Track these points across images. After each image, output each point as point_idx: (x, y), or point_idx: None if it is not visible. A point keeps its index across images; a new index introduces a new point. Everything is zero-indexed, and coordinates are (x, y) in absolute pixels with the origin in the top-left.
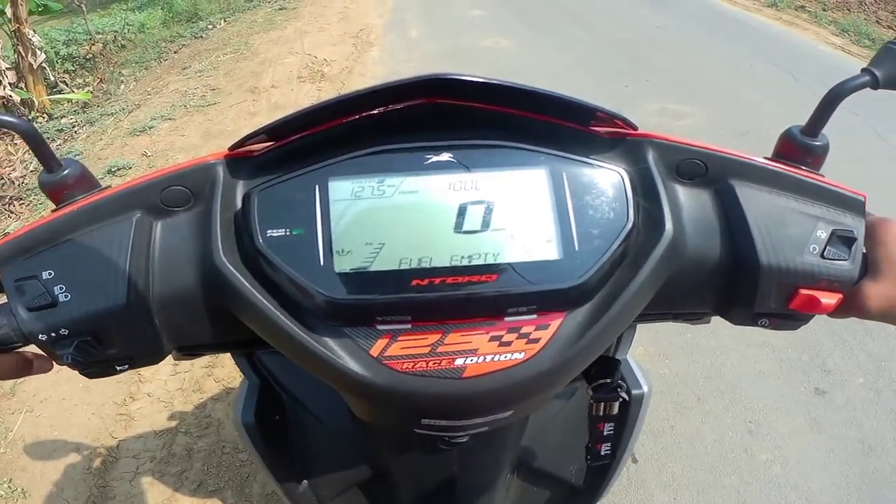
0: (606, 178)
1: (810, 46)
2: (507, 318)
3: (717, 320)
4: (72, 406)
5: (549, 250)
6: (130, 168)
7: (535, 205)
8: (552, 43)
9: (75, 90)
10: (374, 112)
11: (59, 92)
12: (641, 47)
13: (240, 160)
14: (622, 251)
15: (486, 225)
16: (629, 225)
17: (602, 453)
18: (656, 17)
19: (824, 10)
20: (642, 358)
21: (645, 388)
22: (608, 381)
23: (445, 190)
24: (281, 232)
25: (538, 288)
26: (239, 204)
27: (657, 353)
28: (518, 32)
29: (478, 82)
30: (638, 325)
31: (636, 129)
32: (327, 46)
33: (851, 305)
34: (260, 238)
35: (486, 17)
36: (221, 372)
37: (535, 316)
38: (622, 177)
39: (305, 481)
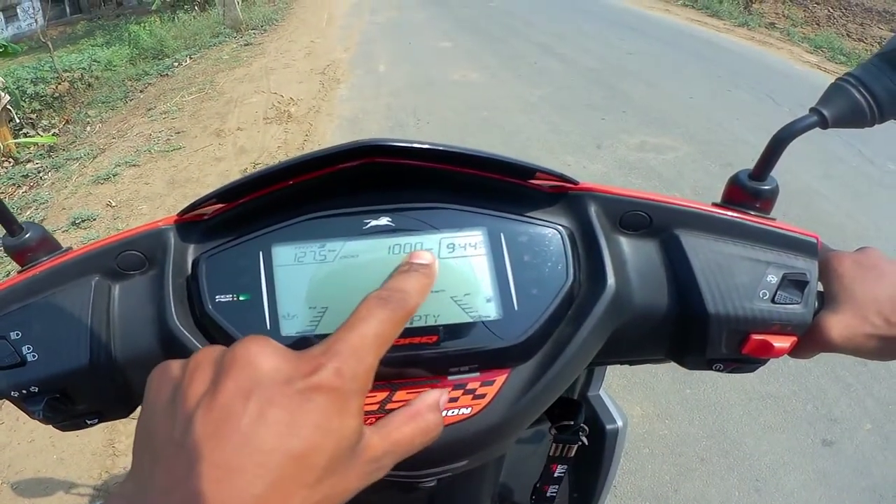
0: (545, 236)
1: (786, 66)
2: (450, 377)
3: (710, 371)
4: (48, 477)
5: (488, 310)
6: (94, 219)
7: (473, 265)
8: (523, 75)
9: (41, 132)
10: (316, 176)
11: (26, 135)
12: (615, 76)
13: (190, 224)
14: (563, 308)
15: None
16: (568, 282)
17: (548, 495)
18: (627, 43)
19: (794, 26)
20: (640, 420)
21: (619, 423)
22: (571, 422)
23: (385, 254)
24: (228, 297)
25: (478, 347)
26: (189, 269)
27: (655, 414)
28: (487, 64)
29: (413, 148)
30: (622, 367)
31: (577, 184)
32: (294, 84)
33: (813, 341)
34: (209, 304)
35: (455, 49)
36: None
37: (478, 374)
38: (561, 234)
39: None
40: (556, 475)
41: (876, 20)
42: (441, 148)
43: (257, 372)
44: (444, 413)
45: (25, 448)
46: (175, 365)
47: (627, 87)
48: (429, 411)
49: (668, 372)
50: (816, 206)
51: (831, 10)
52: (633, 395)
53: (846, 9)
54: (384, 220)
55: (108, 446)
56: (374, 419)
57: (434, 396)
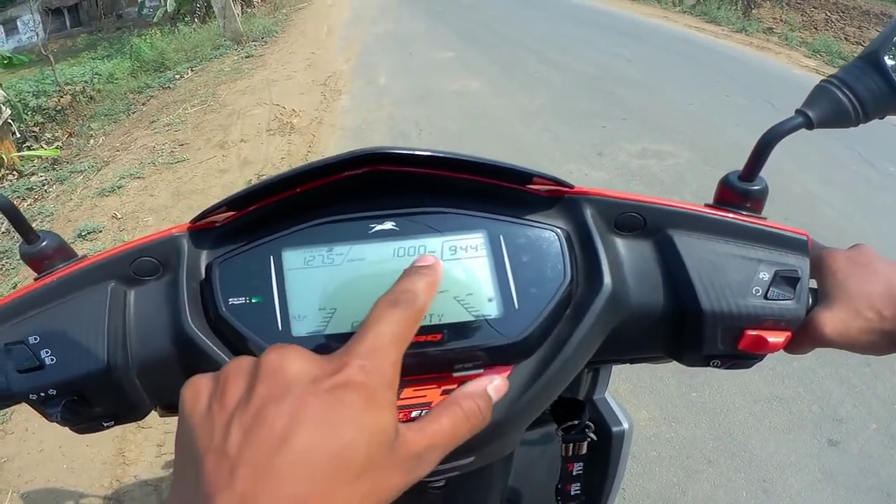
0: (542, 238)
1: (784, 71)
2: (454, 374)
3: (714, 373)
4: (58, 487)
5: (490, 309)
6: (101, 231)
7: (475, 266)
8: (523, 83)
9: (45, 145)
10: (322, 183)
11: (29, 147)
12: (614, 83)
13: (202, 231)
14: (561, 306)
15: None
16: (566, 281)
17: (572, 493)
18: (627, 50)
19: (792, 30)
20: (646, 423)
21: (625, 425)
22: (576, 422)
23: (391, 256)
24: (241, 300)
25: (481, 345)
26: (203, 274)
27: (662, 417)
28: (487, 74)
29: (415, 155)
30: (627, 371)
31: (572, 188)
32: (295, 96)
33: (807, 337)
34: (223, 306)
35: (454, 59)
36: None
37: (482, 370)
38: (558, 235)
39: None
40: (574, 473)
41: (874, 23)
42: (442, 155)
43: (287, 376)
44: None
45: (35, 457)
46: (207, 378)
47: (627, 95)
48: (467, 399)
49: (673, 375)
50: (817, 210)
51: (829, 14)
52: (639, 399)
53: (844, 12)
54: (389, 225)
55: (118, 455)
56: None
57: (475, 385)
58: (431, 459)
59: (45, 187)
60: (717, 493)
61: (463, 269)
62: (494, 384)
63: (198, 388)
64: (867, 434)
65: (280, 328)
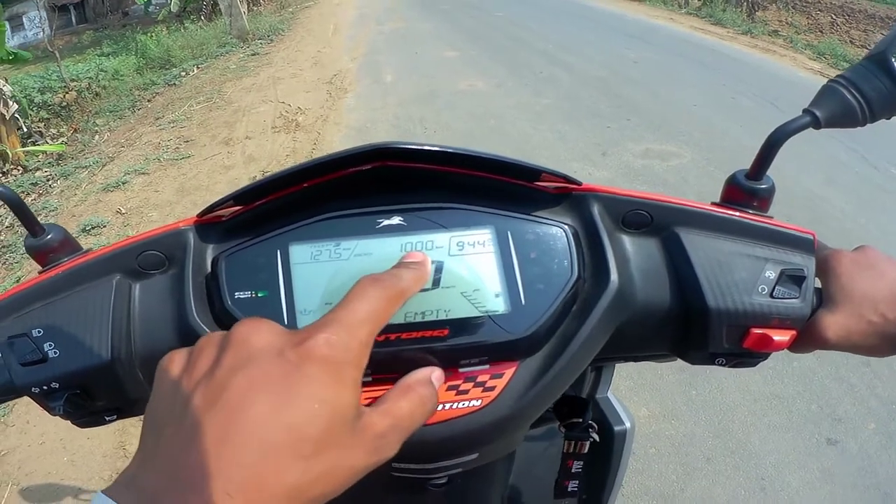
0: (550, 234)
1: (789, 73)
2: (461, 370)
3: (715, 372)
4: (58, 480)
5: (496, 305)
6: (105, 226)
7: (482, 262)
8: (528, 83)
9: (50, 141)
10: (330, 178)
11: (34, 142)
12: (620, 84)
13: (209, 225)
14: (568, 303)
15: (436, 283)
16: (573, 278)
17: (569, 489)
18: (633, 52)
19: (797, 33)
20: (647, 420)
21: (627, 425)
22: (579, 420)
23: (397, 252)
24: (247, 294)
25: (488, 340)
26: (209, 268)
27: (661, 414)
28: (493, 73)
29: (422, 150)
30: (629, 369)
31: (580, 185)
32: (301, 93)
33: (810, 338)
34: (228, 300)
35: (460, 58)
36: None
37: (487, 366)
38: (566, 232)
39: None
40: (573, 471)
41: (879, 26)
42: (449, 150)
43: (252, 347)
44: (454, 406)
45: (36, 450)
46: (182, 351)
47: (632, 96)
48: (420, 385)
49: (673, 373)
50: (821, 210)
51: (834, 17)
52: (639, 396)
53: (849, 15)
54: (396, 220)
55: (118, 448)
56: None
57: (423, 373)
58: (393, 441)
59: (50, 182)
60: (715, 490)
61: (470, 265)
62: (435, 375)
63: (171, 360)
64: (866, 434)
65: (286, 322)
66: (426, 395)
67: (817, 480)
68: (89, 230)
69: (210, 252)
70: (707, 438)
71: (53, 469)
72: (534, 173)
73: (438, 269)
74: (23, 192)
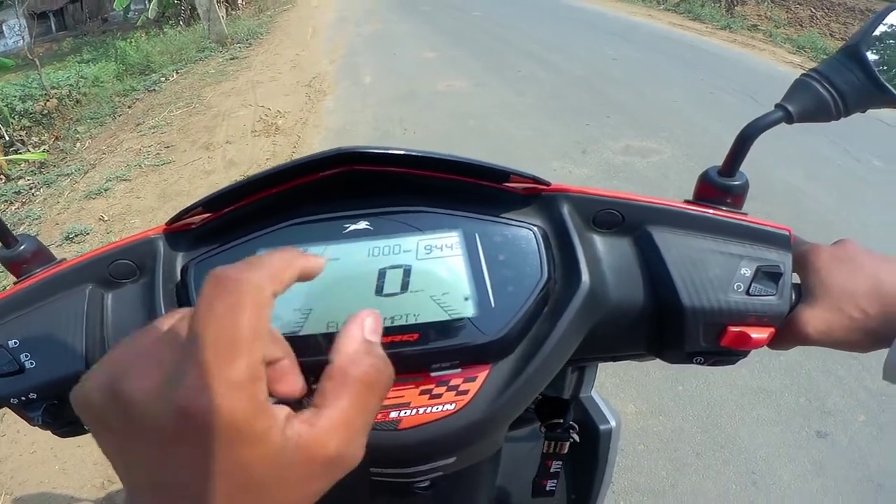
0: (519, 236)
1: (769, 67)
2: (432, 374)
3: (701, 367)
4: (50, 489)
5: (466, 308)
6: (88, 234)
7: (450, 265)
8: (508, 83)
9: (32, 149)
10: (297, 184)
11: (16, 151)
12: (599, 82)
13: (178, 233)
14: (539, 305)
15: (404, 287)
16: (543, 279)
17: (547, 489)
18: (612, 49)
19: (777, 27)
20: (634, 417)
21: (612, 423)
22: (560, 420)
23: (365, 256)
24: None
25: (458, 344)
26: (178, 276)
27: (649, 411)
28: (472, 73)
29: (389, 154)
30: (614, 366)
31: (549, 185)
32: (280, 97)
33: (790, 334)
34: None
35: (440, 58)
36: None
37: (459, 370)
38: (535, 233)
39: None
40: (552, 470)
41: (859, 19)
42: (416, 154)
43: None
44: (427, 410)
45: (28, 459)
46: None
47: (612, 92)
48: (352, 364)
49: (659, 369)
50: (802, 205)
51: (814, 11)
52: (626, 392)
53: (829, 8)
54: (363, 224)
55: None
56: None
57: (353, 340)
58: (353, 444)
59: (33, 191)
60: (705, 485)
61: (438, 269)
62: (367, 324)
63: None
64: (856, 426)
65: None
66: (368, 368)
67: (809, 473)
68: (72, 238)
69: (180, 260)
70: (695, 434)
71: (45, 478)
72: (502, 175)
73: (406, 273)
74: (6, 201)
